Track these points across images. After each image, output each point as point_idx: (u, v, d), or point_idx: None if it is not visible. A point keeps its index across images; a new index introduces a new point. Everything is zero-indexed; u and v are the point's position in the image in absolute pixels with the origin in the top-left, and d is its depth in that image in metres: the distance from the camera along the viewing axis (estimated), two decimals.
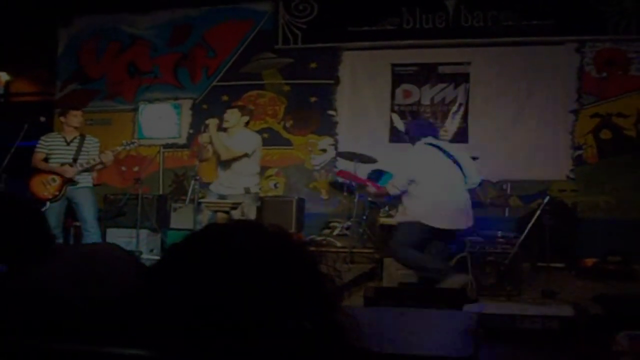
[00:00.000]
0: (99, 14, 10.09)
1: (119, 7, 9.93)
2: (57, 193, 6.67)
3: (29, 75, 11.04)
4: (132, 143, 7.23)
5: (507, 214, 7.97)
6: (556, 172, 8.51)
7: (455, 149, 6.34)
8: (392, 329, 3.28)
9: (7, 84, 10.94)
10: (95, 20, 10.17)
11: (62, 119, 6.96)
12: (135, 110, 9.98)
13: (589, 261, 7.00)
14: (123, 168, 9.64)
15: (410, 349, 3.11)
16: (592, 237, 7.50)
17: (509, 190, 7.95)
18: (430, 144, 6.04)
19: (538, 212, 6.05)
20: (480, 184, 6.53)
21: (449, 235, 6.02)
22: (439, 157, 5.98)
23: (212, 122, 6.44)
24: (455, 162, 5.99)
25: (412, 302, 4.63)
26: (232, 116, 6.57)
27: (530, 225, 5.98)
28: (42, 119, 7.28)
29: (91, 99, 10.02)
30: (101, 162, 6.83)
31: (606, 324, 4.33)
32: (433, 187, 5.86)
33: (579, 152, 8.49)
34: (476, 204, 8.19)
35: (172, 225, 8.48)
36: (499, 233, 6.45)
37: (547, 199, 6.16)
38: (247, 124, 6.80)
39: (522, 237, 6.00)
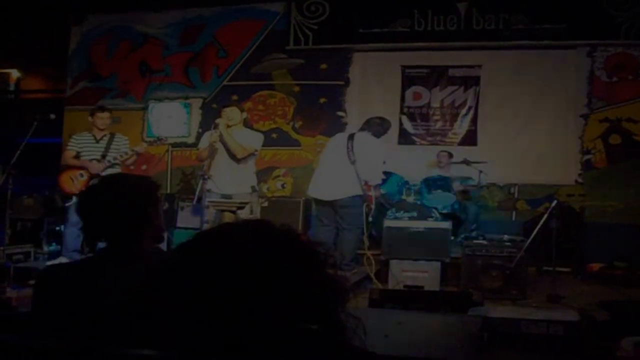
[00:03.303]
0: (111, 13, 10.14)
1: (131, 5, 9.98)
2: (83, 188, 6.71)
3: (40, 72, 11.10)
4: (160, 139, 7.43)
5: (514, 218, 7.96)
6: (564, 176, 8.47)
7: None
8: (397, 331, 3.29)
9: (18, 81, 11.01)
10: (107, 18, 10.22)
11: (90, 119, 7.11)
12: (145, 108, 10.02)
13: (595, 266, 6.98)
14: (132, 167, 9.66)
15: (414, 352, 3.12)
16: (599, 242, 7.45)
17: (516, 194, 7.93)
18: None
19: (545, 216, 6.01)
20: None
21: None
22: None
23: (222, 122, 6.44)
24: None
25: (417, 305, 4.63)
26: (234, 114, 6.57)
27: (537, 229, 5.96)
28: (52, 116, 7.34)
29: (101, 97, 10.06)
30: (136, 154, 7.06)
31: (611, 330, 4.33)
32: None
33: (588, 156, 8.46)
34: (483, 208, 8.23)
35: (179, 224, 8.49)
36: (505, 237, 6.44)
37: (554, 203, 6.11)
38: (244, 121, 6.86)
39: (529, 241, 5.98)
